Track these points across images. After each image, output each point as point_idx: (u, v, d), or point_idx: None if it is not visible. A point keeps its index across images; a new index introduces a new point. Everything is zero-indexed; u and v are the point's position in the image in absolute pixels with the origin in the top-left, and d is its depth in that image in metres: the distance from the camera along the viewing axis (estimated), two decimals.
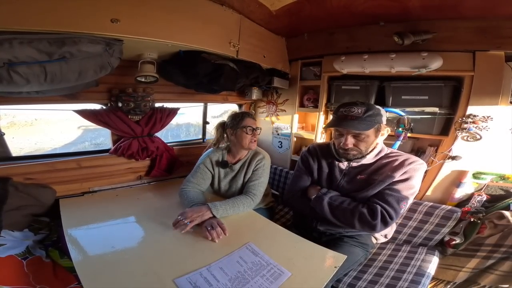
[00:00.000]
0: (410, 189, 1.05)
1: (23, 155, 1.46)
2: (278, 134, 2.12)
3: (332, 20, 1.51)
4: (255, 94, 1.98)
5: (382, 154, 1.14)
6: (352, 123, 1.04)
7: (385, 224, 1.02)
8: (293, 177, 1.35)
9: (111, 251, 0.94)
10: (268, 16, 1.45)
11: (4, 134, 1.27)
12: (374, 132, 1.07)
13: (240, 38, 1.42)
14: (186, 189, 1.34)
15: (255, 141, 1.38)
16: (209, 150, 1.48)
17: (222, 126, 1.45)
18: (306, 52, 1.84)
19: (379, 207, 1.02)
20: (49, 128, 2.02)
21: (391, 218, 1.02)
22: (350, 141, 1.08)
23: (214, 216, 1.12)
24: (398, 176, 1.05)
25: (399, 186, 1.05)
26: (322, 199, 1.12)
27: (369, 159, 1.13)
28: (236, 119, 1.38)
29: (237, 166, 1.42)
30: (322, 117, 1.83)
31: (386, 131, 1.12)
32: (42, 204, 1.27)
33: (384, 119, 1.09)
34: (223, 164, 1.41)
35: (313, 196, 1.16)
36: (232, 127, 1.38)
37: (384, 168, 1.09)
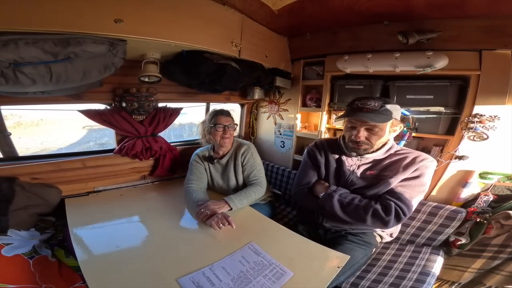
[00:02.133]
0: (422, 186, 1.05)
1: (29, 155, 1.48)
2: (280, 134, 2.11)
3: (334, 19, 1.50)
4: (257, 93, 1.98)
5: (392, 150, 1.13)
6: (368, 115, 1.02)
7: (398, 220, 1.02)
8: (299, 172, 1.33)
9: (115, 250, 0.95)
10: (270, 15, 1.45)
11: (10, 134, 1.28)
12: (388, 127, 1.07)
13: (242, 37, 1.42)
14: (190, 187, 1.38)
15: (227, 138, 1.43)
16: (196, 150, 1.58)
17: (202, 125, 1.55)
18: (308, 52, 1.83)
19: (393, 204, 1.02)
20: (55, 128, 2.05)
21: (405, 215, 1.02)
22: (363, 133, 1.07)
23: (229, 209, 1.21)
24: (409, 173, 1.06)
25: (410, 183, 1.05)
26: (332, 197, 1.11)
27: (379, 155, 1.12)
28: (209, 117, 1.47)
29: (224, 160, 1.49)
30: (325, 116, 1.81)
31: (398, 127, 1.12)
32: (48, 204, 1.29)
33: (398, 115, 1.09)
34: (209, 159, 1.50)
35: (322, 194, 1.15)
36: (208, 126, 1.46)
37: (394, 165, 1.09)
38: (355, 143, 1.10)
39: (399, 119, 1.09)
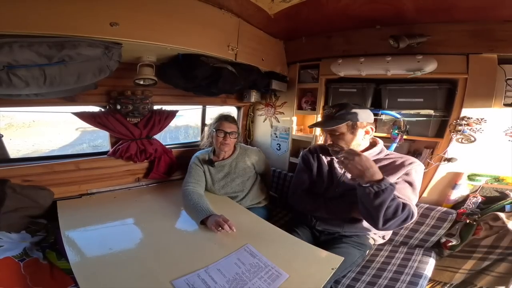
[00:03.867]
0: (416, 190, 1.08)
1: (20, 156, 1.45)
2: (276, 137, 2.13)
3: (329, 24, 1.53)
4: (254, 96, 2.00)
5: (381, 155, 1.17)
6: (324, 122, 1.18)
7: (411, 219, 1.00)
8: (294, 176, 1.38)
9: (108, 253, 0.94)
10: (266, 19, 1.47)
11: (2, 136, 1.27)
12: (347, 129, 1.09)
13: (238, 41, 1.44)
14: (187, 189, 1.38)
15: (227, 144, 1.46)
16: (197, 152, 1.60)
17: (209, 127, 1.59)
18: (304, 55, 1.85)
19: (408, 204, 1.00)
20: (47, 129, 2.02)
21: (414, 215, 1.00)
22: (329, 138, 1.17)
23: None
24: (400, 175, 1.08)
25: (405, 186, 1.07)
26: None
27: None
28: (214, 121, 1.52)
29: (227, 162, 1.52)
30: (319, 119, 1.84)
31: (370, 129, 1.13)
32: (40, 206, 1.27)
33: (360, 117, 1.09)
34: (209, 162, 1.51)
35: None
36: (211, 128, 1.51)
37: (383, 168, 1.10)
38: (328, 146, 1.18)
39: (363, 121, 1.10)
